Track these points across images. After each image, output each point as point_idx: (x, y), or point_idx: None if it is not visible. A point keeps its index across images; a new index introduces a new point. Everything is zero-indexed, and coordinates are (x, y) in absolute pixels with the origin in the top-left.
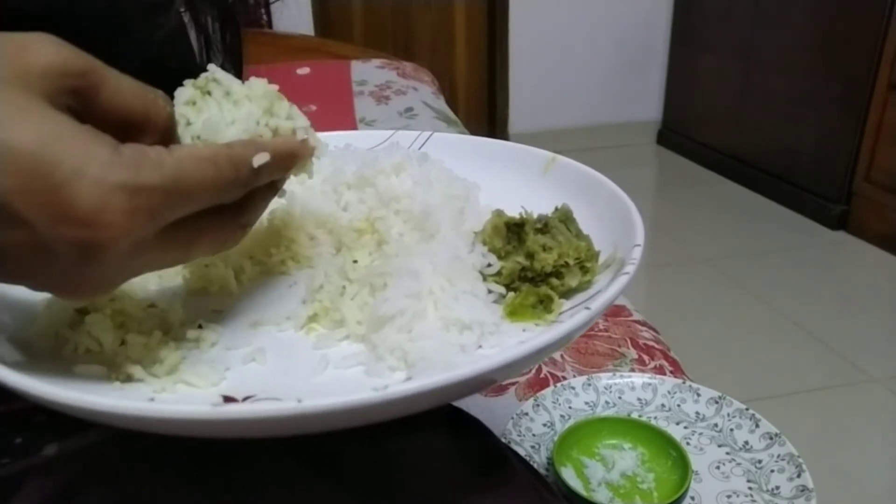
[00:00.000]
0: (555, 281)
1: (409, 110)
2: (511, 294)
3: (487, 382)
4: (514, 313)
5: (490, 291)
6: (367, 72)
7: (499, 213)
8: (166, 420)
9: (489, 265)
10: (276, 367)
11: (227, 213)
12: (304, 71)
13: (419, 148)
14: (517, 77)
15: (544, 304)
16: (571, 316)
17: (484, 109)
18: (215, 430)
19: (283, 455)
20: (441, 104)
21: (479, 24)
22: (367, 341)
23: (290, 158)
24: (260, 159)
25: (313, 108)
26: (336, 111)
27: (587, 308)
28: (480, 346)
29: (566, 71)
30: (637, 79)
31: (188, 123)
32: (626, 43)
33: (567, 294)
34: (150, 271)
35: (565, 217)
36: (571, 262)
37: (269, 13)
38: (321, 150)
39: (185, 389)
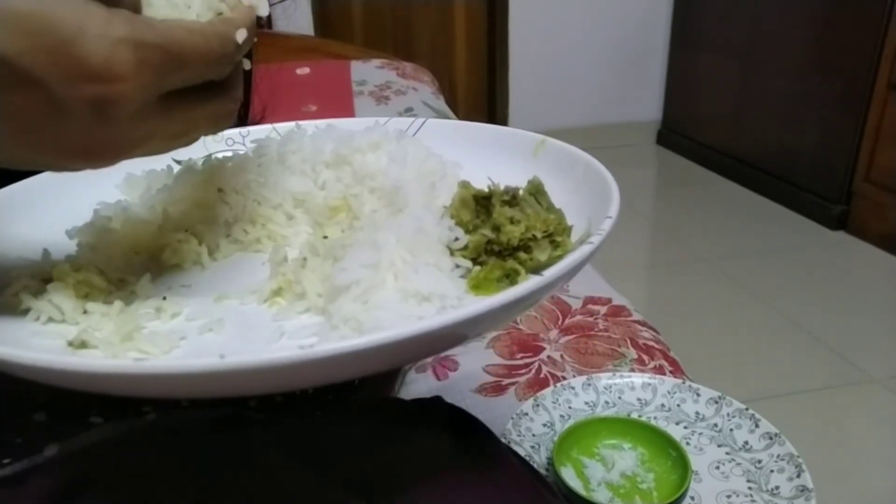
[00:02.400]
0: (523, 255)
1: (409, 110)
2: (477, 268)
3: (424, 348)
4: (478, 287)
5: (457, 266)
6: (367, 72)
7: (466, 185)
8: (87, 374)
9: (456, 239)
10: (232, 337)
11: (218, 88)
12: (303, 71)
13: (413, 133)
14: (517, 77)
15: (510, 279)
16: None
17: (484, 109)
18: (139, 387)
19: (283, 455)
20: (441, 104)
21: (479, 24)
22: (325, 312)
23: (255, 27)
24: (241, 35)
25: (313, 108)
26: (336, 111)
27: (540, 275)
28: None
29: (566, 71)
30: (637, 79)
31: None
32: (626, 43)
33: (538, 269)
34: (158, 148)
35: (536, 190)
36: (539, 235)
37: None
38: (263, 8)
39: (137, 356)
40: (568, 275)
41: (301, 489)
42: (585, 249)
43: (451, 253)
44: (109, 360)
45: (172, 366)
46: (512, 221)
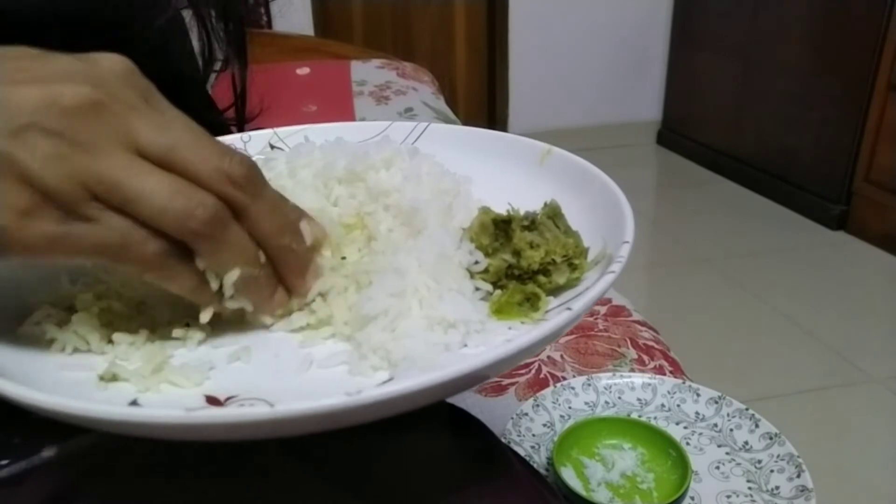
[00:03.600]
0: (542, 278)
1: (409, 110)
2: (498, 292)
3: (464, 386)
4: (500, 311)
5: (477, 289)
6: (367, 72)
7: (486, 210)
8: (140, 424)
9: (476, 262)
10: (261, 365)
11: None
12: (303, 71)
13: (415, 139)
14: (517, 77)
15: (531, 302)
16: (557, 314)
17: (484, 109)
18: (189, 434)
19: (283, 454)
20: (441, 104)
21: (479, 24)
22: (353, 340)
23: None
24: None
25: (313, 108)
26: (336, 111)
27: (569, 309)
28: (466, 345)
29: (566, 71)
30: (637, 79)
31: None
32: (626, 43)
33: (555, 291)
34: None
35: (553, 213)
36: (559, 259)
37: (269, 13)
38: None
39: (170, 389)
40: (591, 303)
41: (301, 489)
42: (608, 278)
43: (471, 276)
44: (158, 411)
45: (222, 415)
46: (532, 246)
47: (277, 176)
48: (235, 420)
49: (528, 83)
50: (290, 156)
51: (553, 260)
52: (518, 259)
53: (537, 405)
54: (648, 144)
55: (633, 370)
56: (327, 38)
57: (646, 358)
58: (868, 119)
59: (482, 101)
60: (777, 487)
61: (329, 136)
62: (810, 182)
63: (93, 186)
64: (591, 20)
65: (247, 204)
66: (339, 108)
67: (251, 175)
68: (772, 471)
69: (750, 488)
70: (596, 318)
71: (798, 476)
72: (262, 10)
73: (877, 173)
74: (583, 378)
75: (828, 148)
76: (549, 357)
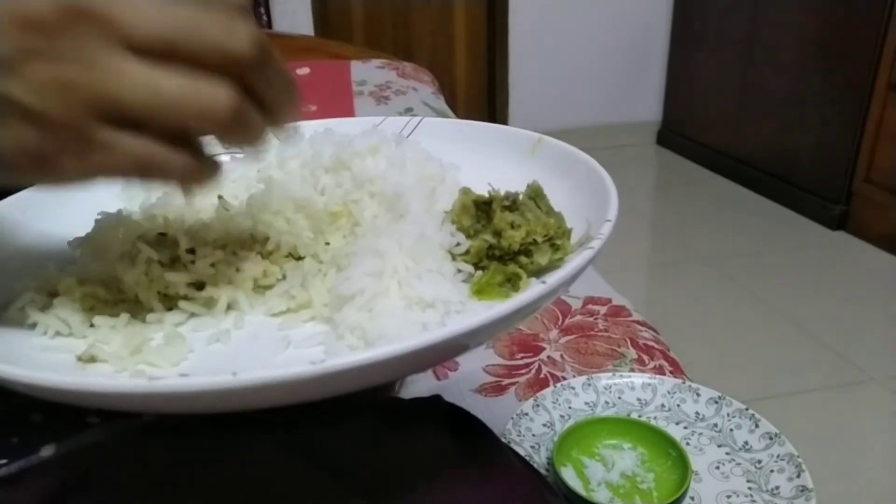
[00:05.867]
0: (524, 259)
1: (409, 110)
2: (479, 273)
3: (429, 360)
4: (480, 292)
5: (459, 271)
6: (367, 72)
7: (466, 191)
8: (97, 393)
9: (458, 244)
10: (239, 347)
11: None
12: (303, 71)
13: (410, 133)
14: (517, 77)
15: (512, 283)
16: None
17: (484, 110)
18: (153, 404)
19: (283, 454)
20: (441, 104)
21: (479, 24)
22: (331, 321)
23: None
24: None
25: (313, 108)
26: (336, 111)
27: (543, 282)
28: (445, 325)
29: (566, 71)
30: (637, 79)
31: None
32: (626, 43)
33: (539, 273)
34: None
35: (535, 194)
36: (540, 239)
37: (269, 13)
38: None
39: (147, 369)
40: (570, 280)
41: (301, 488)
42: (586, 254)
43: (453, 258)
44: (121, 380)
45: (185, 384)
46: (513, 226)
47: (267, 167)
48: (198, 388)
49: (528, 83)
50: (280, 147)
51: (534, 240)
52: (499, 239)
53: (537, 405)
54: (648, 144)
55: (633, 370)
56: (327, 38)
57: (646, 358)
58: (868, 119)
59: (482, 101)
60: (777, 487)
61: (321, 128)
62: (810, 182)
63: (96, 108)
64: (591, 20)
65: (255, 79)
66: (339, 108)
67: (258, 52)
68: (772, 471)
69: (750, 488)
70: (596, 319)
71: (798, 476)
72: (263, 11)
73: (877, 173)
74: (583, 378)
75: (828, 148)
76: (549, 357)
